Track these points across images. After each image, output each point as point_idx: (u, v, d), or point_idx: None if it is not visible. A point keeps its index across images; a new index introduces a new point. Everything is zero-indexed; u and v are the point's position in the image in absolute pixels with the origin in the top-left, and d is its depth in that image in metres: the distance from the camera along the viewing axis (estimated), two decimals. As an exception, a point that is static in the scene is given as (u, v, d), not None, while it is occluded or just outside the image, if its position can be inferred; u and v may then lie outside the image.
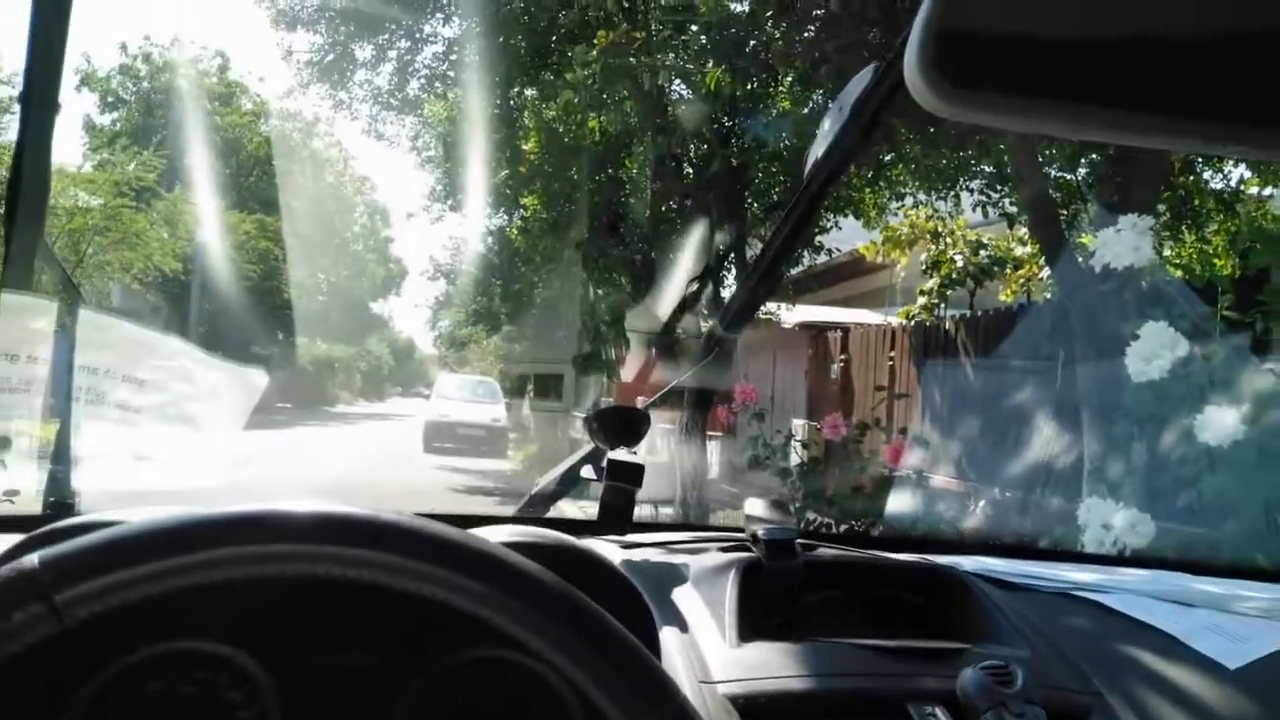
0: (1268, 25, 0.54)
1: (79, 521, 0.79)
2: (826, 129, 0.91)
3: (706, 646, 0.94)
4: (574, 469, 1.34)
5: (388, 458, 14.05)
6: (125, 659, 0.78)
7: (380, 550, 0.57)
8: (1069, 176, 5.96)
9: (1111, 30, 0.57)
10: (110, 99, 25.37)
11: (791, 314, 9.46)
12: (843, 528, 4.18)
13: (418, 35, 9.31)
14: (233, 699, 0.80)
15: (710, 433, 8.11)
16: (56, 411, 1.17)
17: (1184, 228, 6.44)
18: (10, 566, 0.53)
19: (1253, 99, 0.56)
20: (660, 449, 7.39)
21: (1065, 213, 5.76)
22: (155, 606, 0.56)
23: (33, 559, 0.54)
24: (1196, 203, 6.45)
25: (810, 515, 4.37)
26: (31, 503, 1.16)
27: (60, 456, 1.16)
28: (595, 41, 5.88)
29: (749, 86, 6.48)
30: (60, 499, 1.15)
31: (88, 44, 26.56)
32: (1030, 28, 0.57)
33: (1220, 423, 2.38)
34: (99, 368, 1.18)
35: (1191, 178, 6.30)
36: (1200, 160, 5.71)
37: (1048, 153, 5.08)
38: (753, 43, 5.76)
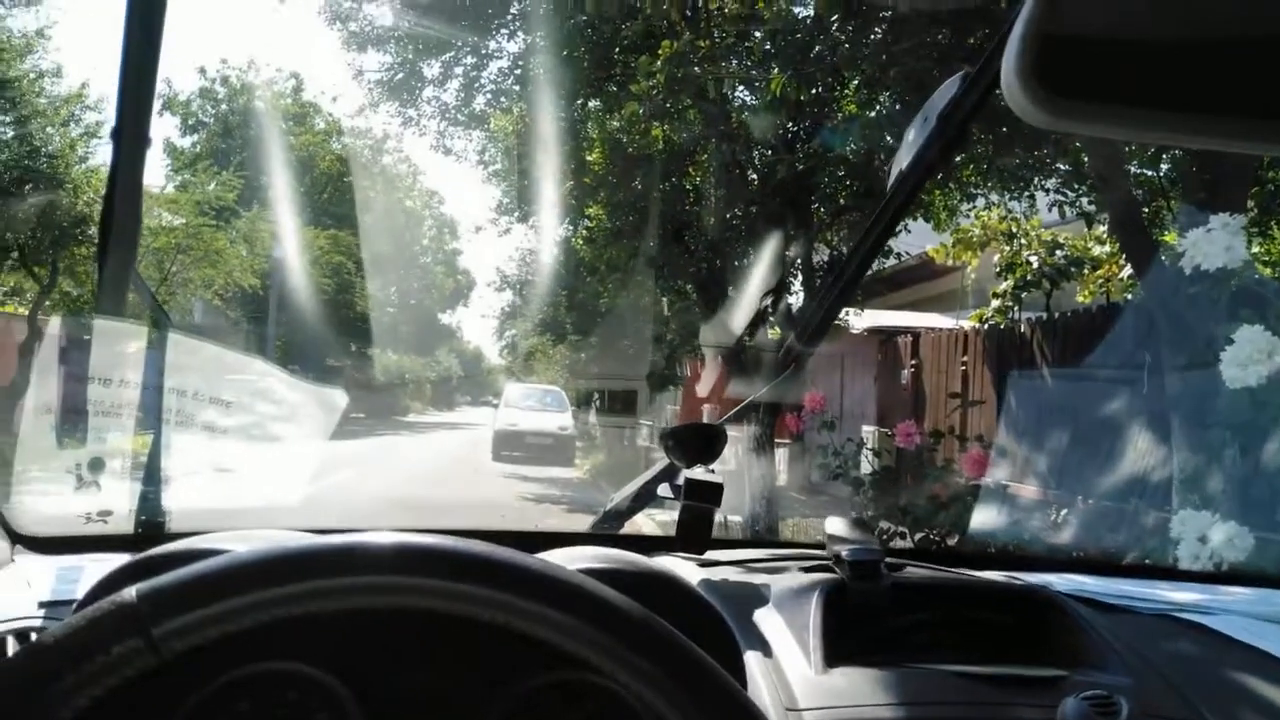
0: None
1: (174, 550, 0.80)
2: (911, 139, 0.88)
3: (791, 672, 0.91)
4: (649, 485, 1.33)
5: (459, 467, 14.25)
6: (217, 680, 0.80)
7: (467, 583, 0.57)
8: (1151, 173, 5.75)
9: (1219, 33, 0.55)
10: (191, 122, 26.38)
11: (860, 319, 9.32)
12: (917, 536, 4.09)
13: (483, 52, 9.46)
14: None
15: (778, 440, 8.04)
16: (147, 433, 1.21)
17: (1274, 224, 6.16)
18: (109, 600, 0.55)
19: None
20: (728, 458, 7.34)
21: (1147, 210, 5.56)
22: (247, 631, 0.57)
23: (130, 593, 0.55)
24: (1287, 196, 6.16)
25: (885, 525, 4.29)
26: (124, 522, 1.19)
27: (151, 477, 1.19)
28: (659, 51, 5.88)
29: (814, 91, 6.41)
30: (151, 519, 1.19)
31: (169, 69, 27.68)
32: (1134, 33, 0.55)
33: (1324, 431, 2.26)
34: (187, 390, 1.21)
35: (1282, 171, 6.03)
36: (1292, 153, 5.45)
37: (1128, 149, 4.91)
38: (818, 47, 5.70)
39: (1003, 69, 0.56)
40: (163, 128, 25.81)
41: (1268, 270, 5.38)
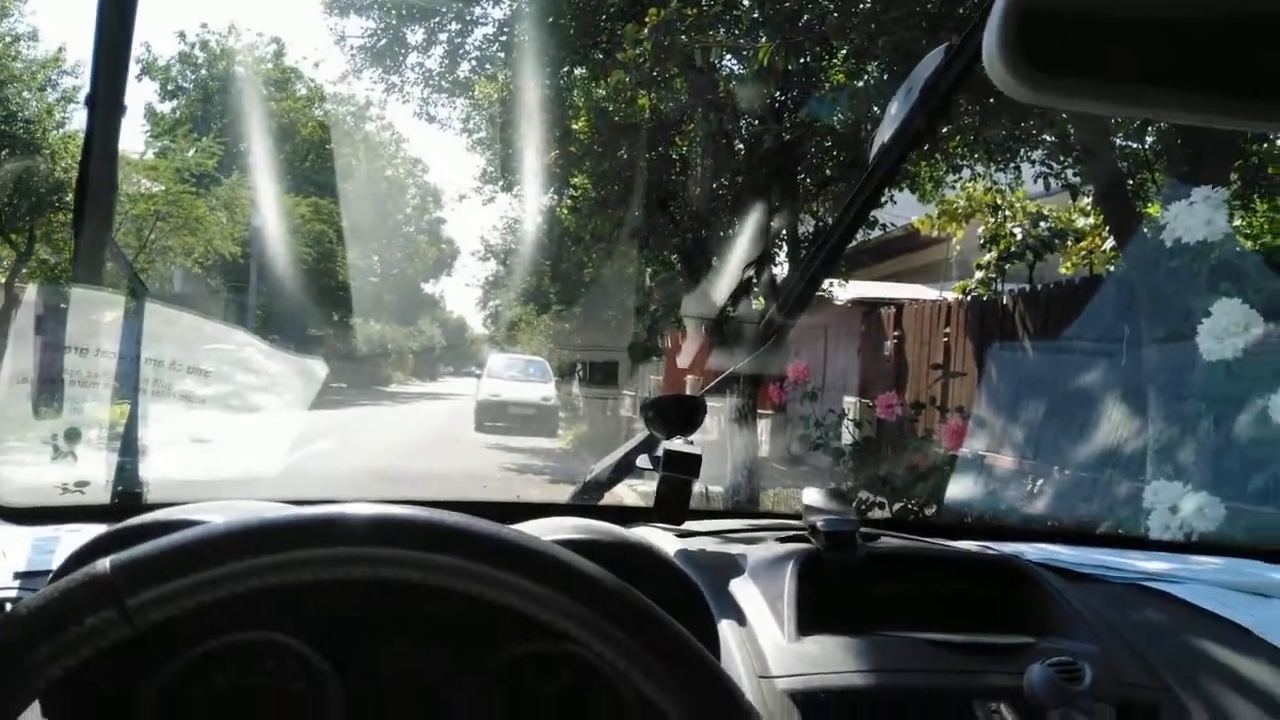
0: None
1: (149, 520, 0.80)
2: (894, 112, 0.88)
3: (765, 640, 0.93)
4: (629, 456, 1.34)
5: (440, 437, 14.25)
6: (193, 650, 0.80)
7: (444, 554, 0.57)
8: (1136, 146, 5.77)
9: (1196, 10, 0.55)
10: (170, 87, 25.98)
11: (844, 290, 9.35)
12: (896, 506, 4.14)
13: (468, 17, 9.34)
14: (298, 690, 0.82)
15: (761, 410, 8.08)
16: (124, 403, 1.20)
17: (1256, 196, 6.20)
18: (83, 571, 0.55)
19: None
20: (710, 428, 7.37)
21: (1131, 183, 5.58)
22: (223, 601, 0.57)
23: (104, 564, 0.55)
24: (1270, 170, 6.20)
25: (865, 495, 4.33)
26: (100, 493, 1.19)
27: (128, 448, 1.19)
28: (646, 19, 5.82)
29: (802, 61, 6.37)
30: (128, 489, 1.19)
31: (148, 33, 27.22)
32: (1113, 8, 0.55)
33: (1297, 404, 2.29)
34: (165, 360, 1.20)
35: (1265, 145, 6.05)
36: (1274, 126, 5.45)
37: (1114, 121, 4.91)
38: (806, 16, 5.66)
39: (984, 43, 0.56)
40: (142, 93, 25.48)
41: (1249, 243, 5.42)
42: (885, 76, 5.69)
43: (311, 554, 0.57)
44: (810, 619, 0.96)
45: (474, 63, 9.93)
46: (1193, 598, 1.13)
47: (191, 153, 15.19)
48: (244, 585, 0.56)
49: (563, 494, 1.50)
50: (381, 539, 0.58)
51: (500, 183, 12.48)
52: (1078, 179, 6.52)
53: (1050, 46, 0.55)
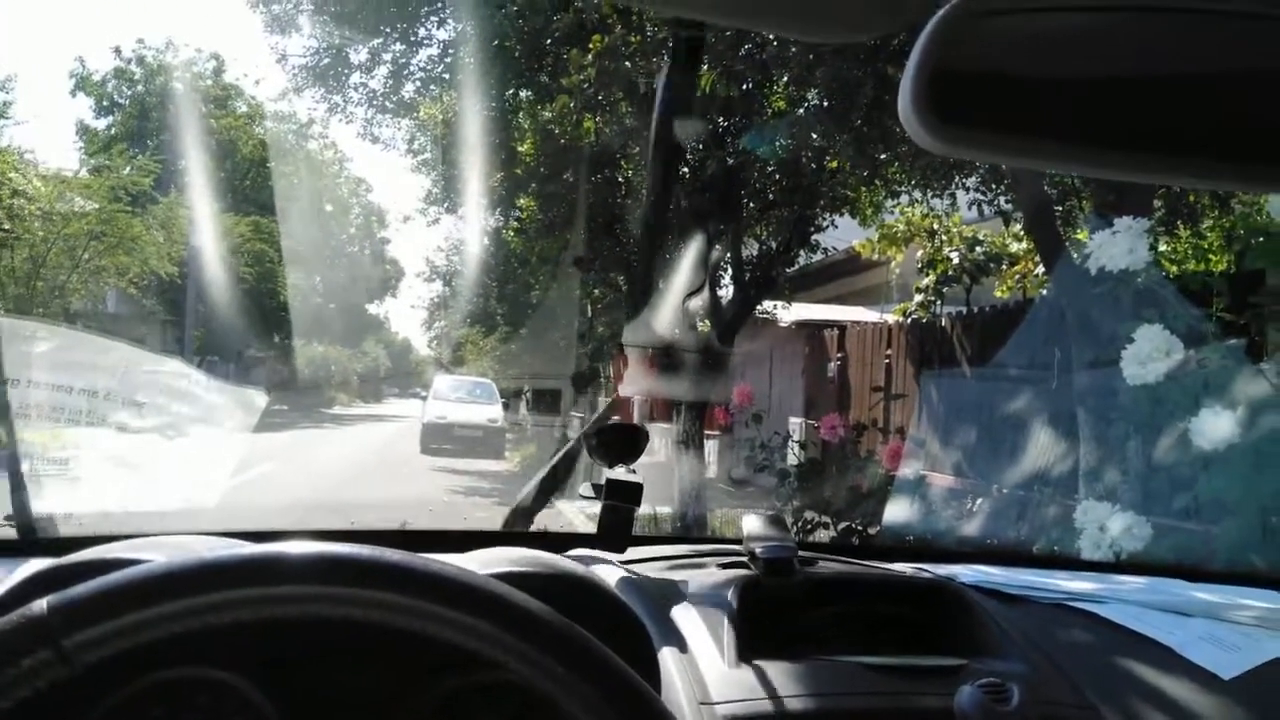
0: (1251, 66, 0.56)
1: (87, 558, 0.79)
2: None
3: (705, 666, 0.94)
4: (554, 473, 1.34)
5: (385, 461, 14.02)
6: (129, 687, 0.79)
7: (385, 592, 0.58)
8: (1064, 174, 5.96)
9: (1100, 70, 0.58)
10: (105, 103, 25.35)
11: (788, 312, 9.47)
12: (841, 525, 4.19)
13: (412, 39, 9.31)
14: None
15: (708, 432, 8.12)
16: (56, 434, 1.18)
17: (1179, 223, 6.45)
18: (19, 613, 0.54)
19: (1238, 136, 0.58)
20: (657, 449, 7.39)
21: (1060, 209, 5.76)
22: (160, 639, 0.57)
23: (41, 605, 0.54)
24: (1191, 198, 6.45)
25: (809, 516, 4.38)
26: (30, 527, 1.16)
27: (59, 480, 1.16)
28: (590, 45, 5.87)
29: (743, 88, 6.48)
30: (61, 523, 1.16)
31: (81, 47, 26.63)
32: (1021, 68, 0.58)
33: (1215, 426, 2.39)
34: (99, 390, 1.18)
35: (1186, 174, 6.26)
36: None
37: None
38: (747, 45, 5.76)
39: (900, 97, 0.59)
40: (76, 109, 24.87)
41: (1174, 268, 5.63)
42: (824, 105, 5.81)
43: (251, 594, 0.57)
44: (750, 644, 0.97)
45: (418, 84, 9.91)
46: (1117, 617, 1.17)
47: (127, 170, 14.82)
48: (183, 625, 0.56)
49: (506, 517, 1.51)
50: (321, 578, 0.58)
51: (445, 204, 12.42)
52: (1009, 205, 6.71)
53: (962, 102, 0.57)
